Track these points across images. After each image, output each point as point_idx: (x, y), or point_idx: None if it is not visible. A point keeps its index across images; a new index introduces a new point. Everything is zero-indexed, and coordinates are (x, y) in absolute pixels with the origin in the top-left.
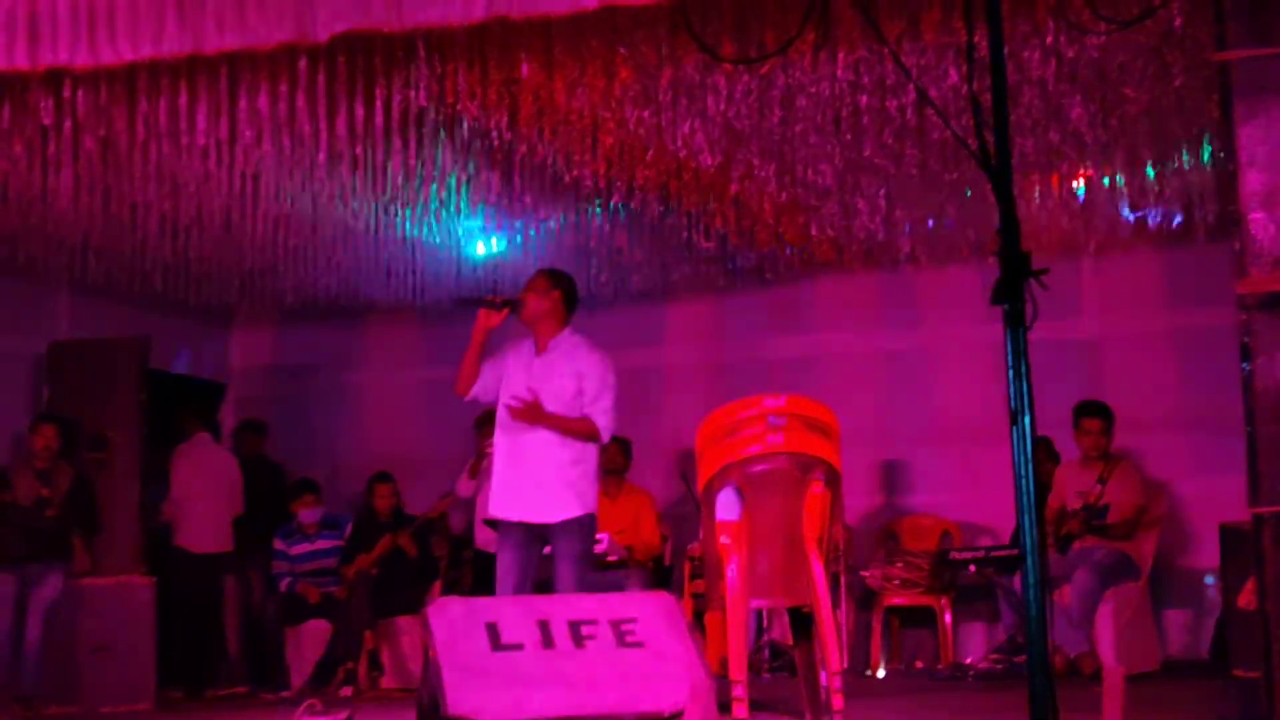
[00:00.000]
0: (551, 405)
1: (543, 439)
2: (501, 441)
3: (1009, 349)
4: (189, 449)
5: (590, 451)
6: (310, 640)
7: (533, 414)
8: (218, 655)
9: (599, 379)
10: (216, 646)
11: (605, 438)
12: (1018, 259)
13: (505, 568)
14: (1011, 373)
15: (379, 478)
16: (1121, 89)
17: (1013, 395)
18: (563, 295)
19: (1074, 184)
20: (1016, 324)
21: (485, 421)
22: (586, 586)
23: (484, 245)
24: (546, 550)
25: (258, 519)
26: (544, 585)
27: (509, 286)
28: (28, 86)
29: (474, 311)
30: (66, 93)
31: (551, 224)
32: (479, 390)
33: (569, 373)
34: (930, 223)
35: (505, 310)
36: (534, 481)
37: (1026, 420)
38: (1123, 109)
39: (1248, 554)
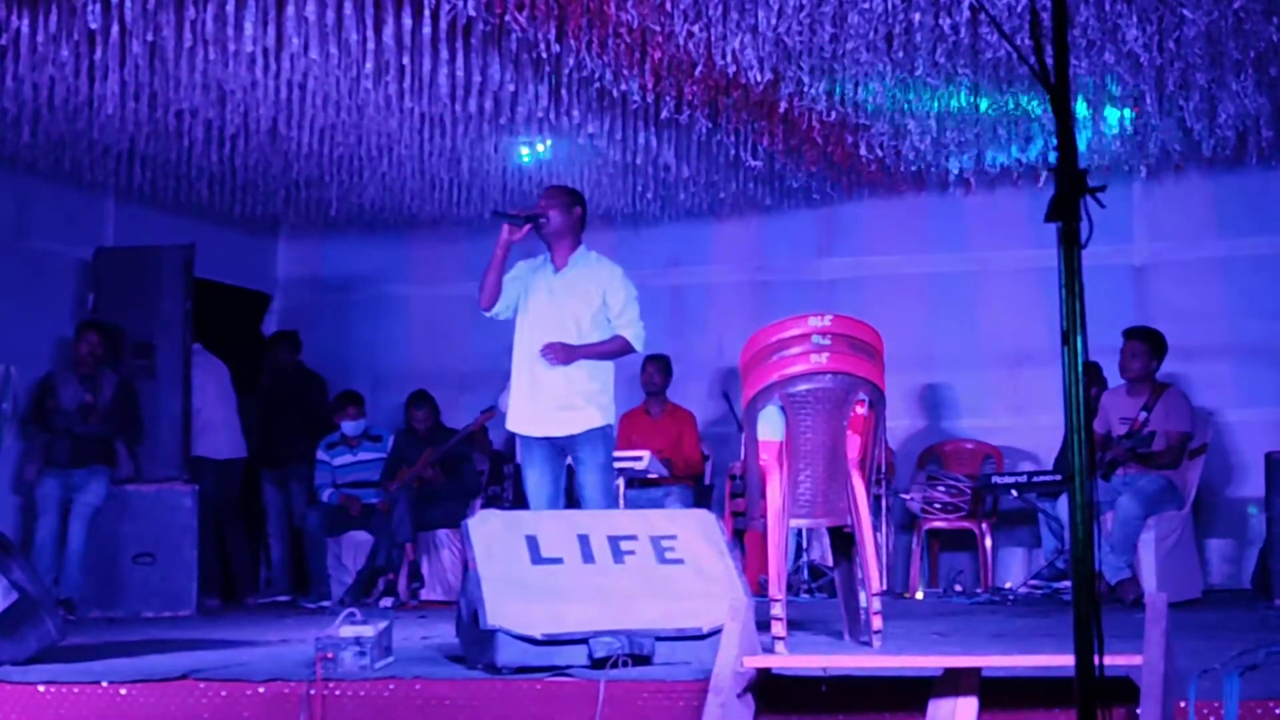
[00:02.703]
0: (577, 322)
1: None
2: (520, 360)
3: (1062, 268)
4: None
5: (606, 365)
6: (351, 551)
7: (566, 353)
8: (251, 564)
9: (622, 292)
10: (246, 555)
11: (640, 347)
12: (1074, 176)
13: (535, 484)
14: (1064, 292)
15: (415, 401)
16: (1179, 9)
17: (1064, 315)
18: (582, 213)
19: (1127, 106)
20: (1071, 242)
21: None
22: (611, 495)
23: (530, 159)
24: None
25: (295, 429)
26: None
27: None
28: None
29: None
30: None
31: (598, 139)
32: (501, 307)
33: (592, 289)
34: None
35: (528, 226)
36: (554, 398)
37: (1079, 340)
38: (1179, 30)
39: None
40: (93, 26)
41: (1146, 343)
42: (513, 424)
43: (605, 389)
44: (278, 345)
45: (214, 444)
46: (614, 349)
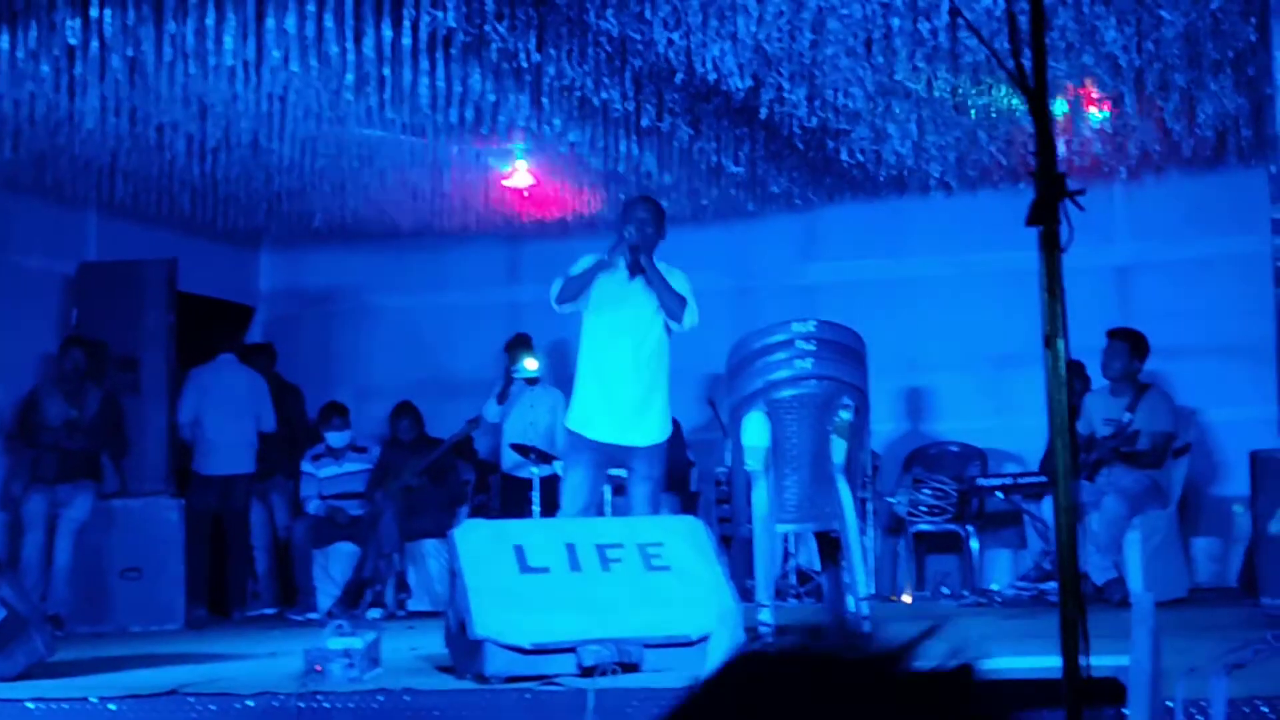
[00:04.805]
0: (649, 326)
1: (629, 362)
2: (589, 364)
3: (1043, 271)
4: (200, 372)
5: (665, 377)
6: (338, 562)
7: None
8: (243, 577)
9: (688, 291)
10: (241, 569)
11: (689, 319)
12: (1054, 180)
13: (575, 487)
14: (1046, 295)
15: (399, 412)
16: (1157, 11)
17: (1046, 318)
18: (665, 224)
19: (1106, 108)
20: (1052, 246)
21: (514, 345)
22: (658, 507)
23: (511, 169)
24: None
25: (274, 441)
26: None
27: (535, 208)
28: (54, 6)
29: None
30: (94, 12)
31: (580, 148)
32: (572, 306)
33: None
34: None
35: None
36: (620, 404)
37: (1061, 344)
38: (1158, 32)
39: (1278, 481)
40: (72, 42)
41: (1127, 343)
42: (575, 423)
43: (665, 400)
44: (253, 358)
45: (203, 459)
46: (677, 299)
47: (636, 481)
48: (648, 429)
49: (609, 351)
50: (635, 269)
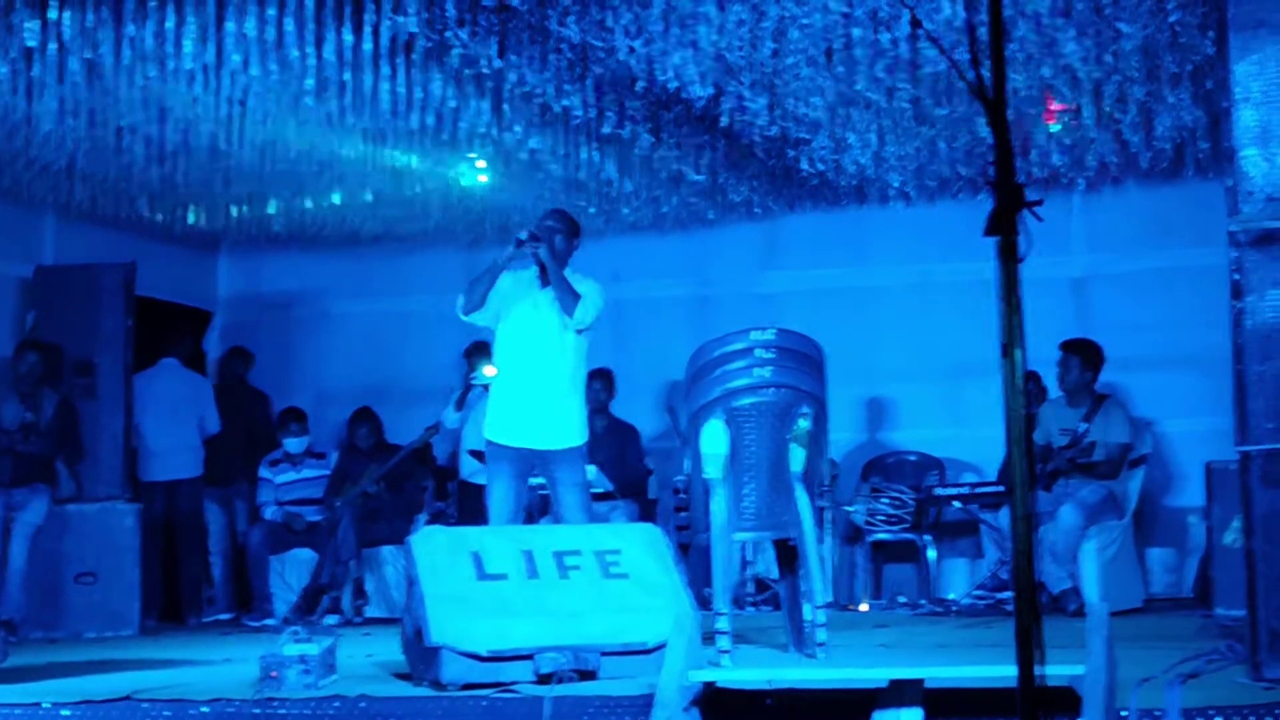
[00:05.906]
0: (560, 336)
1: (544, 369)
2: (503, 369)
3: (1001, 281)
4: (139, 378)
5: (581, 383)
6: (294, 569)
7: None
8: (198, 583)
9: (592, 294)
10: (194, 575)
11: (579, 315)
12: (1012, 190)
13: (500, 498)
14: (1004, 305)
15: (358, 418)
16: (1115, 24)
17: (1004, 329)
18: (578, 240)
19: (1065, 119)
20: (1009, 256)
21: (474, 352)
22: (590, 511)
23: (471, 175)
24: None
25: (239, 447)
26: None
27: (494, 216)
28: (12, 7)
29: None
30: (52, 14)
31: (540, 155)
32: (486, 315)
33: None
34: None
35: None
36: (535, 409)
37: (1018, 354)
38: (1116, 44)
39: (1233, 493)
40: (30, 44)
41: (1080, 355)
42: (492, 431)
43: (581, 405)
44: (229, 361)
45: (146, 465)
46: (575, 296)
47: (564, 489)
48: (565, 433)
49: (523, 359)
50: (543, 275)
